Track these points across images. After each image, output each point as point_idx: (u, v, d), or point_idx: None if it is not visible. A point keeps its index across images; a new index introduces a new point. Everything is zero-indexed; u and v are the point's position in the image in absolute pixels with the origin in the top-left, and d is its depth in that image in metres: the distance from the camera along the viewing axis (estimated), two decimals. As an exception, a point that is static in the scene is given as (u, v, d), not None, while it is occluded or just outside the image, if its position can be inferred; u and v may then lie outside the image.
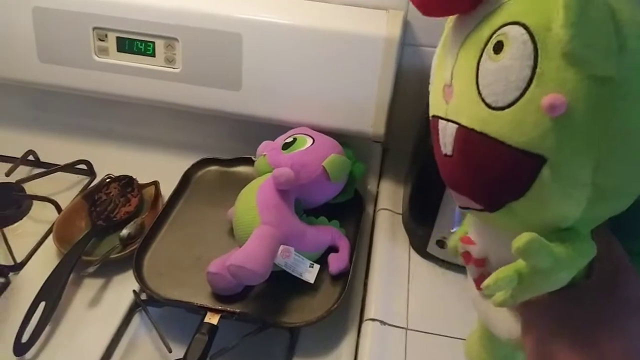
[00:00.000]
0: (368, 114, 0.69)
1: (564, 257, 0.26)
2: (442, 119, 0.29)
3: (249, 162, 0.76)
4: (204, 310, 0.56)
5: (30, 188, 0.77)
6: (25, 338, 0.56)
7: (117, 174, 0.76)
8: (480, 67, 0.26)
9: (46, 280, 0.60)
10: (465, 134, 0.27)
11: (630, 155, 0.25)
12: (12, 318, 0.59)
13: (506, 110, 0.25)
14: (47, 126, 0.86)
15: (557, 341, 0.28)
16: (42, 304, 0.59)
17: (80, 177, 0.80)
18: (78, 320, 0.60)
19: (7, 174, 0.75)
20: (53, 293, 0.60)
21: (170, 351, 0.56)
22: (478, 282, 0.35)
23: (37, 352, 0.57)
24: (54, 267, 0.62)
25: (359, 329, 0.61)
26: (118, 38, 0.71)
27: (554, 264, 0.26)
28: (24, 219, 0.73)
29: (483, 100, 0.25)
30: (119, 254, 0.65)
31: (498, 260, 0.32)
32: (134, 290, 0.62)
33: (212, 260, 0.60)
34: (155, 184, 0.74)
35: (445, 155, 0.30)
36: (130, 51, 0.71)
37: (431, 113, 0.31)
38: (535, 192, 0.25)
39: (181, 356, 0.56)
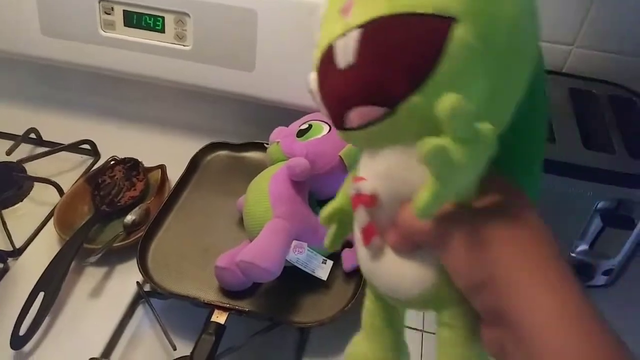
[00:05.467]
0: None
1: (485, 134, 0.25)
2: (341, 38, 0.28)
3: (261, 147, 0.72)
4: (211, 307, 0.53)
5: (32, 168, 0.73)
6: (22, 330, 0.53)
7: (122, 156, 0.72)
8: None
9: (46, 269, 0.57)
10: (373, 26, 0.27)
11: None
12: (9, 308, 0.56)
13: None
14: (50, 103, 0.82)
15: (484, 242, 0.27)
16: (41, 294, 0.56)
17: (84, 157, 0.77)
18: (78, 311, 0.58)
19: (8, 153, 0.71)
20: (53, 283, 0.57)
21: (174, 349, 0.53)
22: (367, 233, 0.31)
23: (35, 345, 0.54)
24: (55, 254, 0.59)
25: (374, 330, 0.58)
26: (125, 12, 0.67)
27: (477, 140, 0.25)
28: (24, 200, 0.70)
29: None
30: (123, 242, 0.62)
31: (390, 193, 0.30)
32: (137, 282, 0.59)
33: (220, 253, 0.57)
34: (162, 168, 0.71)
35: (346, 67, 0.28)
36: (139, 26, 0.67)
37: (324, 44, 0.30)
38: (447, 65, 0.25)
39: (186, 353, 0.53)
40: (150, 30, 0.67)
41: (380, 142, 0.30)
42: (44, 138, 0.78)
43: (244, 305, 0.54)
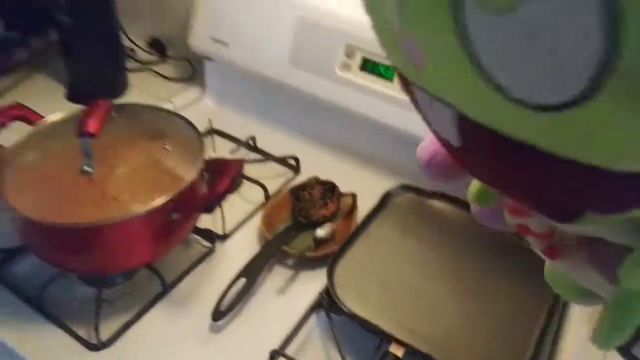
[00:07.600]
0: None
1: None
2: None
3: (449, 199, 0.75)
4: (388, 337, 0.57)
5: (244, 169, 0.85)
6: (223, 306, 0.62)
7: (318, 176, 0.80)
8: None
9: (250, 260, 0.67)
10: None
11: None
12: (211, 285, 0.66)
13: None
14: (268, 117, 0.94)
15: None
16: (243, 280, 0.65)
17: (286, 170, 0.86)
18: (265, 303, 0.66)
19: (231, 153, 0.84)
20: (253, 272, 0.65)
21: (346, 366, 0.57)
22: (550, 252, 0.29)
23: (226, 322, 0.63)
24: (255, 248, 0.69)
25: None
26: (364, 58, 0.75)
27: None
28: (234, 194, 0.82)
29: None
30: (313, 254, 0.69)
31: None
32: (320, 292, 0.65)
33: (397, 287, 0.62)
34: (354, 196, 0.77)
35: None
36: (372, 72, 0.75)
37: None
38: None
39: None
40: (381, 78, 0.75)
41: None
42: (258, 146, 0.90)
43: (422, 345, 0.56)
